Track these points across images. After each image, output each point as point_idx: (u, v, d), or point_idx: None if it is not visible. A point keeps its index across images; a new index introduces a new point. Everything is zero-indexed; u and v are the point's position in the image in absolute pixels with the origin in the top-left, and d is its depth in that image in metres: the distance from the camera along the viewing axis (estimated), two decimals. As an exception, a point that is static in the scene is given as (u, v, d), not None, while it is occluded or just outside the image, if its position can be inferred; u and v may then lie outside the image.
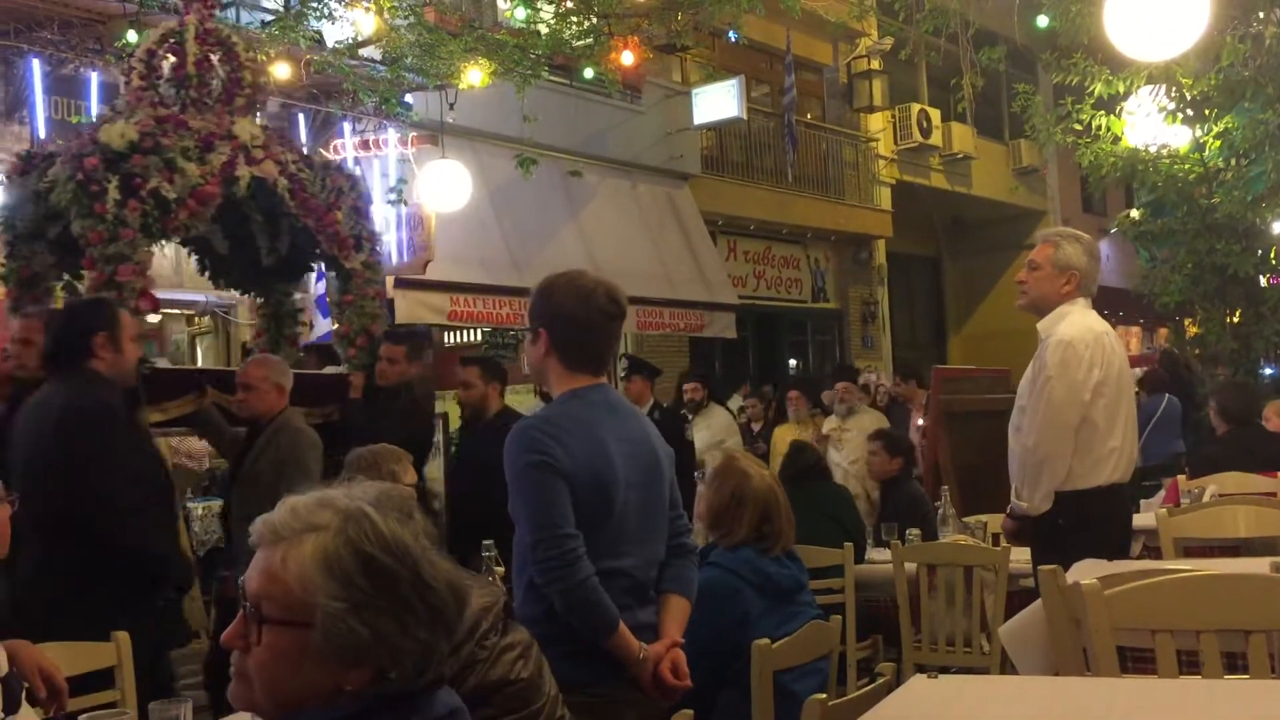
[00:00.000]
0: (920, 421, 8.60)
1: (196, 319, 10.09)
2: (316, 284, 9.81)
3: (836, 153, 16.74)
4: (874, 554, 5.38)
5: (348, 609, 1.43)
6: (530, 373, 3.23)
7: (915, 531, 5.16)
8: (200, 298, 9.62)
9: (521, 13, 8.88)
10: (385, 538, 1.47)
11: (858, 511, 5.61)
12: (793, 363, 16.41)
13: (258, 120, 5.61)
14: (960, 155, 17.82)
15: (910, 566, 4.88)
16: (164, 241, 5.22)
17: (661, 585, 2.91)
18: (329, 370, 6.16)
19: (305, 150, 6.43)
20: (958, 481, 7.37)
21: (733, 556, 3.47)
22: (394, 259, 9.84)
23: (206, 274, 6.29)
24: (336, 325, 6.07)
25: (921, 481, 7.11)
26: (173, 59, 5.40)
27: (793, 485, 4.20)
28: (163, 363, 5.20)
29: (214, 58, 5.45)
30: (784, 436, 9.10)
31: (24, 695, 2.49)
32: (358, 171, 9.74)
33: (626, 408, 3.04)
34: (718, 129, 14.24)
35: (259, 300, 6.38)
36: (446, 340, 12.21)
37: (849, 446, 7.90)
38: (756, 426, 9.97)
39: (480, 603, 2.15)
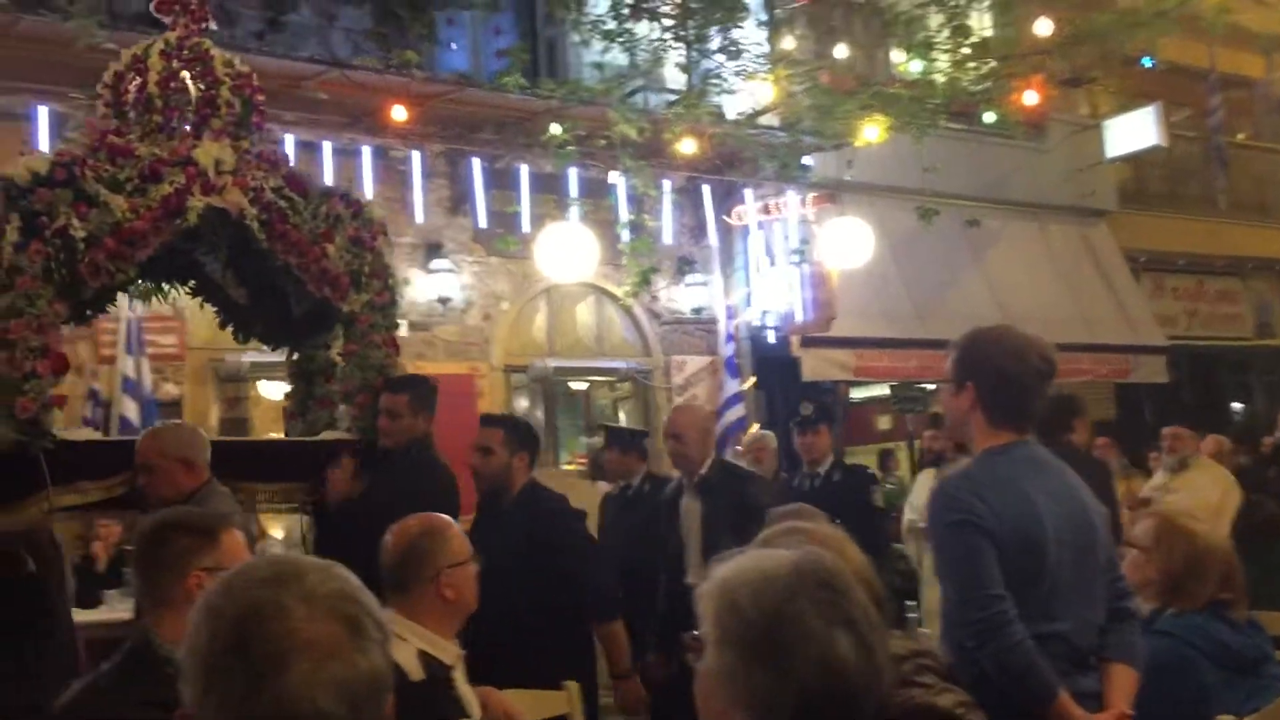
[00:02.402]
0: None
1: (617, 384, 10.68)
2: (726, 344, 10.17)
3: (1278, 173, 15.15)
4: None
5: None
6: (949, 425, 3.17)
7: None
8: (620, 364, 10.23)
9: (917, 65, 8.81)
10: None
11: (1330, 573, 4.97)
12: (1237, 406, 14.88)
13: (252, 142, 4.73)
14: None
15: None
16: (80, 291, 4.20)
17: (1104, 652, 2.75)
18: (326, 435, 5.00)
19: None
20: None
21: (1182, 623, 3.19)
22: (798, 318, 10.02)
23: (229, 329, 5.39)
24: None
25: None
26: (138, 80, 4.61)
27: (1249, 543, 3.80)
28: (83, 434, 4.32)
29: (186, 75, 4.62)
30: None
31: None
32: (760, 235, 10.12)
33: (1054, 464, 2.91)
34: (1134, 160, 13.34)
35: (293, 356, 5.34)
36: (853, 396, 12.20)
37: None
38: None
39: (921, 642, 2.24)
